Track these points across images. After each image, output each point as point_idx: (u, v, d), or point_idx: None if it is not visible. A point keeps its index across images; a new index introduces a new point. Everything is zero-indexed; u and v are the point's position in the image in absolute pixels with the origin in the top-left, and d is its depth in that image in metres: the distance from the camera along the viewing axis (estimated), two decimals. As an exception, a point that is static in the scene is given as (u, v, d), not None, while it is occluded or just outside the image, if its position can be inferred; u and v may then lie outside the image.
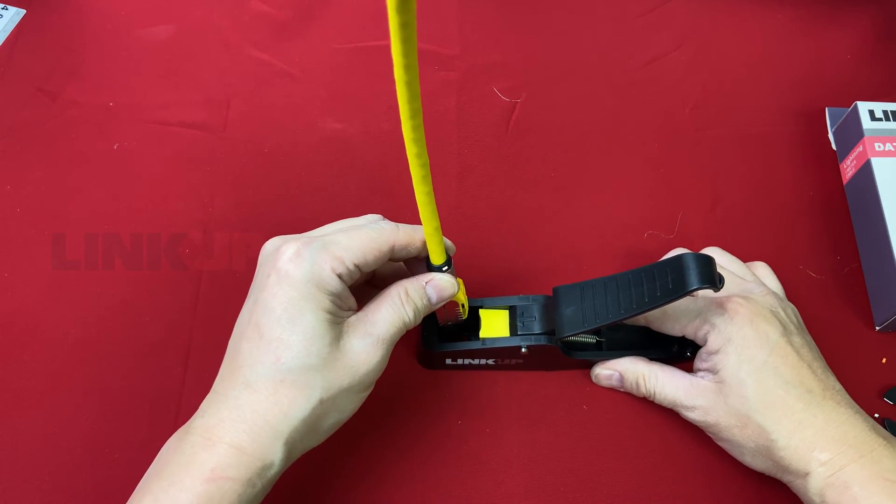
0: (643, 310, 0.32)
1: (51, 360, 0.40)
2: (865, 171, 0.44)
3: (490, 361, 0.38)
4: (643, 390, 0.36)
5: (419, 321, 0.32)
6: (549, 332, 0.36)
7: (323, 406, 0.28)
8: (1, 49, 0.52)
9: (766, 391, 0.32)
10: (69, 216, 0.45)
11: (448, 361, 0.38)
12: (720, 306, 0.34)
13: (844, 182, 0.47)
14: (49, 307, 0.41)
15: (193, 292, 0.42)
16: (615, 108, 0.50)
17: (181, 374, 0.39)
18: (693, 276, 0.30)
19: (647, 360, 0.37)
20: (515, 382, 0.39)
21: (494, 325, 0.37)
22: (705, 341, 0.34)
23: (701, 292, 0.32)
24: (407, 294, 0.31)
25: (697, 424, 0.35)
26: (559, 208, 0.46)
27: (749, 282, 0.37)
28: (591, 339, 0.39)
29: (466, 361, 0.38)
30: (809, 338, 0.36)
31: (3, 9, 0.54)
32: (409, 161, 0.24)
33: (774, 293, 0.36)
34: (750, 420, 0.32)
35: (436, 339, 0.37)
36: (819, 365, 0.34)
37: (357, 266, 0.29)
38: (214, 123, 0.49)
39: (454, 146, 0.48)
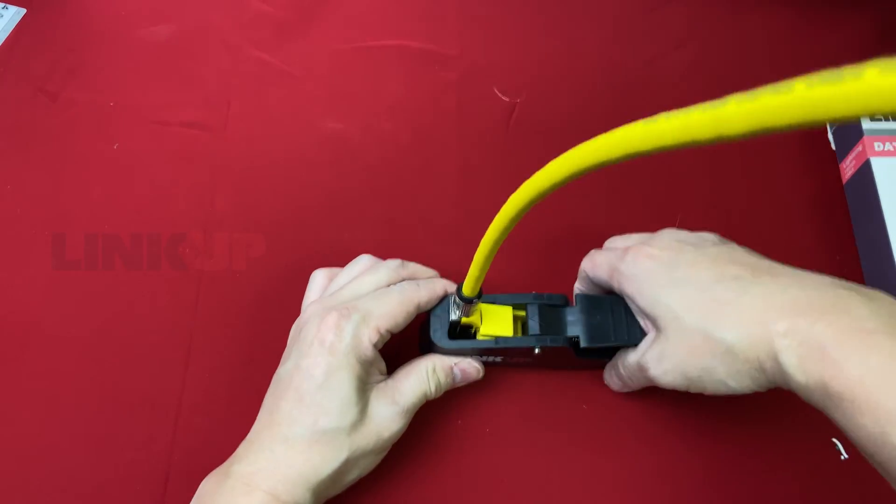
0: None
1: (51, 360, 0.40)
2: (865, 171, 0.44)
3: (498, 359, 0.38)
4: (621, 370, 0.35)
5: (440, 395, 0.34)
6: (562, 334, 0.35)
7: (347, 464, 0.31)
8: (1, 49, 0.52)
9: (691, 300, 0.29)
10: (69, 216, 0.45)
11: None
12: (621, 260, 0.33)
13: (844, 182, 0.47)
14: (49, 307, 0.41)
15: (193, 292, 0.42)
16: (615, 108, 0.50)
17: (181, 374, 0.39)
18: None
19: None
20: (516, 382, 0.39)
21: (497, 320, 0.36)
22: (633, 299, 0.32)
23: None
24: (434, 371, 0.34)
25: (674, 385, 0.30)
26: (559, 208, 0.46)
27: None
28: None
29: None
30: (731, 247, 0.32)
31: (3, 9, 0.54)
32: (492, 234, 0.26)
33: (675, 237, 0.33)
34: (696, 335, 0.28)
35: (446, 335, 0.36)
36: (743, 256, 0.30)
37: (389, 331, 0.32)
38: (214, 123, 0.49)
39: (454, 146, 0.48)
